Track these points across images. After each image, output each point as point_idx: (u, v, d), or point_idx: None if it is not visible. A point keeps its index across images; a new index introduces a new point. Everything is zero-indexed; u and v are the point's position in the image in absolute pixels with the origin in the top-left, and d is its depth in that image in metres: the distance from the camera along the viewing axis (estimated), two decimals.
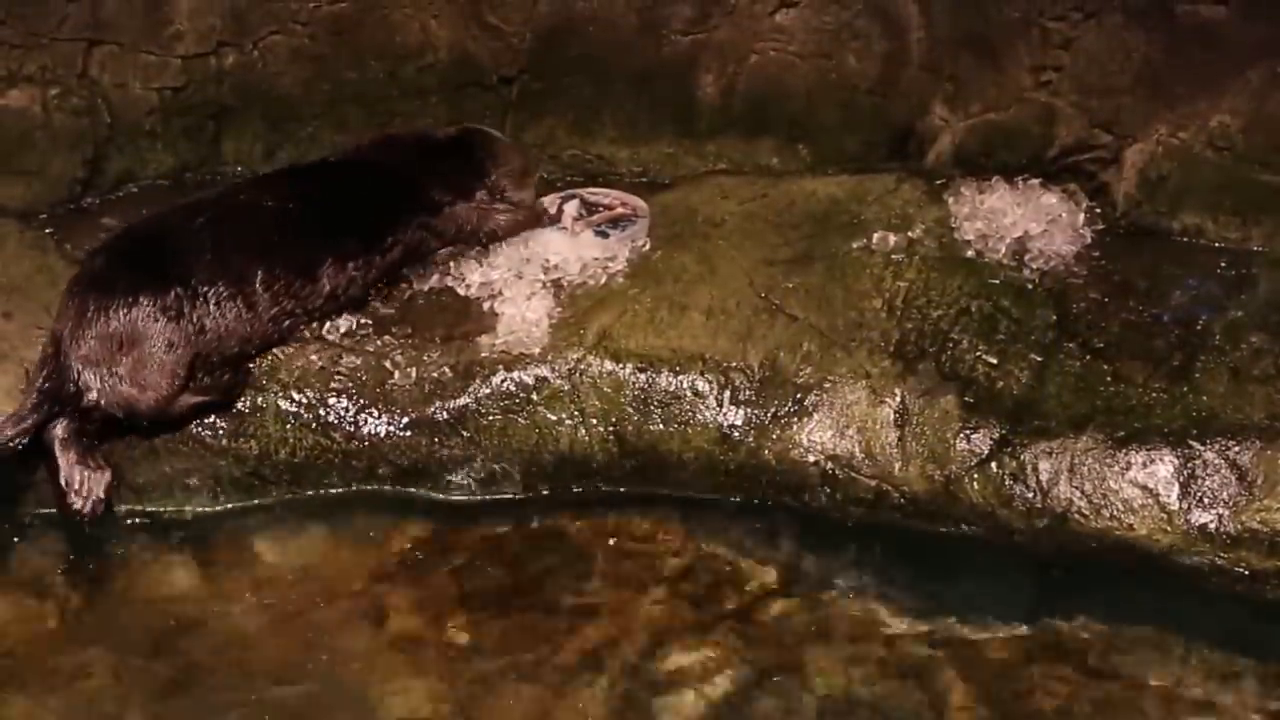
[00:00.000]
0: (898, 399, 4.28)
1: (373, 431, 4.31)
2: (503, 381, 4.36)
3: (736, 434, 4.30)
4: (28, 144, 4.89)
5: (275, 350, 4.37)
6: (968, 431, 4.22)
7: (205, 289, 4.22)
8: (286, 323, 4.36)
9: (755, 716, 3.79)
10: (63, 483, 4.11)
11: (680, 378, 4.35)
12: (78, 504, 4.10)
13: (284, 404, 4.31)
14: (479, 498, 4.36)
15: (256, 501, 4.33)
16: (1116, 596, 4.10)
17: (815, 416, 4.29)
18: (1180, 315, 4.50)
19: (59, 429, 4.12)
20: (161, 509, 4.30)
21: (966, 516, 4.19)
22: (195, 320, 4.19)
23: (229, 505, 4.31)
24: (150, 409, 4.16)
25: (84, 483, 4.11)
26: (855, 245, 4.65)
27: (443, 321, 4.50)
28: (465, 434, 4.33)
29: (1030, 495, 4.15)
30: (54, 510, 4.21)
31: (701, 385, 4.34)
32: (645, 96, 5.09)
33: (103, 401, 4.13)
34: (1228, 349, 4.37)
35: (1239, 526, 4.05)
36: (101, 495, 4.13)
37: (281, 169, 4.82)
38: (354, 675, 3.88)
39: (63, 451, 4.11)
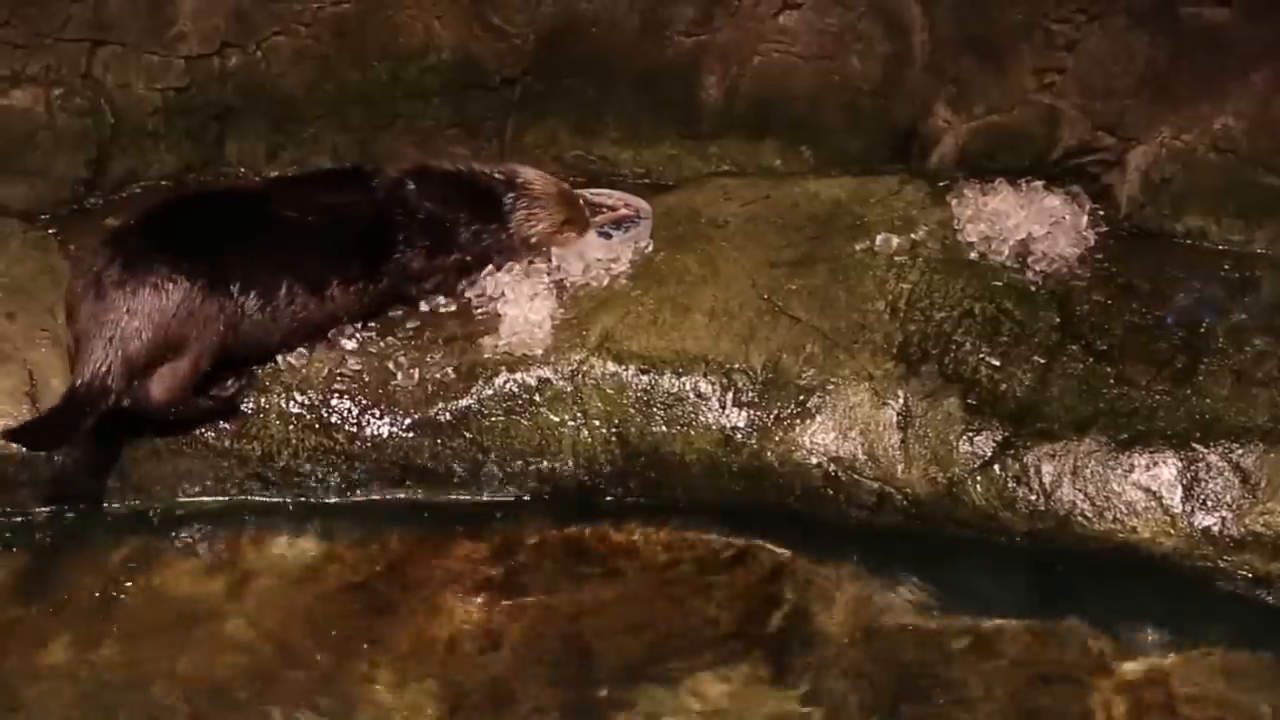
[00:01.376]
0: (900, 401, 4.28)
1: (375, 432, 4.31)
2: (505, 383, 4.36)
3: (739, 436, 4.30)
4: (31, 144, 4.89)
5: None
6: (970, 434, 4.22)
7: (244, 300, 4.21)
8: (298, 337, 4.37)
9: (756, 718, 3.79)
10: None
11: (683, 379, 4.35)
12: None
13: (287, 405, 4.31)
14: (481, 498, 4.36)
15: (259, 501, 4.33)
16: (1119, 599, 4.10)
17: (818, 418, 4.29)
18: (1184, 318, 4.50)
19: None
20: (164, 509, 4.31)
21: (969, 519, 4.19)
22: (230, 332, 4.18)
23: (232, 506, 4.32)
24: (158, 404, 4.15)
25: None
26: (858, 247, 4.65)
27: (445, 322, 4.50)
28: (468, 435, 4.33)
29: (1033, 498, 4.15)
30: (56, 508, 4.24)
31: (704, 387, 4.34)
32: (648, 98, 5.08)
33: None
34: (1231, 352, 4.37)
35: (1242, 529, 4.05)
36: None
37: (319, 173, 4.78)
38: (357, 675, 3.88)
39: None
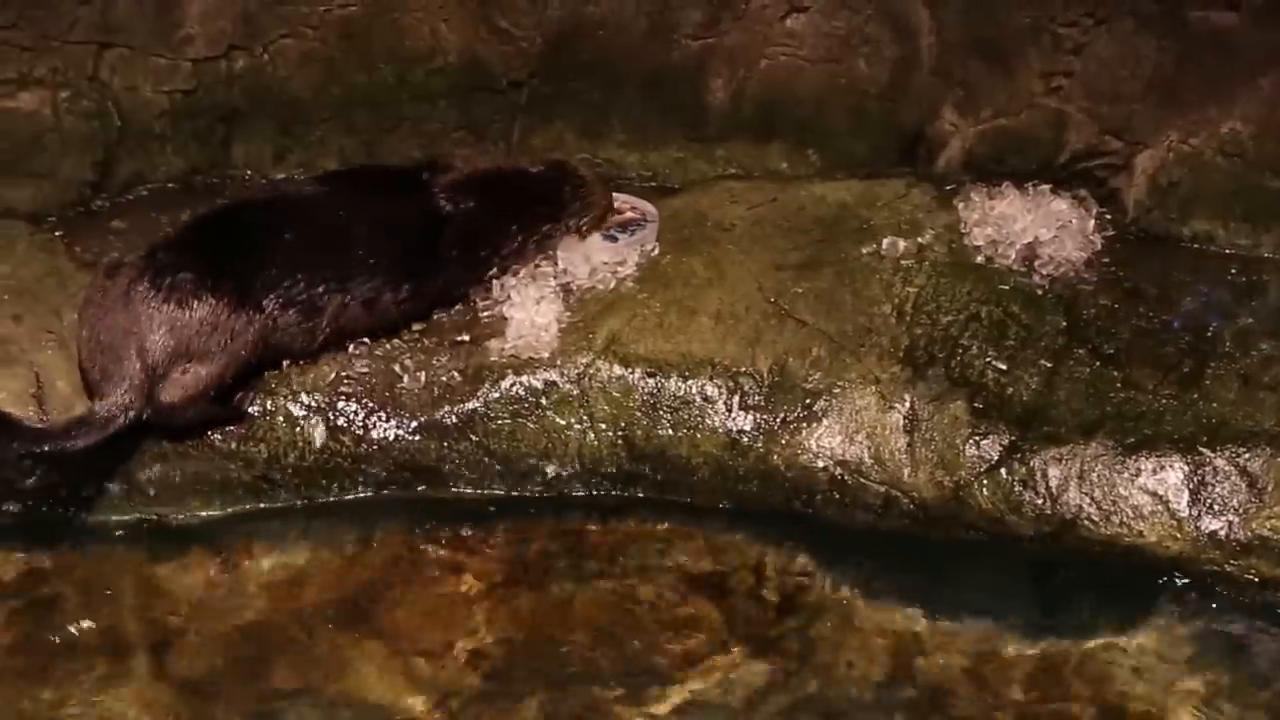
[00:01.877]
0: (907, 405, 4.28)
1: (381, 435, 4.31)
2: (511, 386, 4.36)
3: (745, 439, 4.30)
4: (38, 147, 4.89)
5: None
6: (977, 437, 4.22)
7: (279, 315, 4.21)
8: (336, 344, 4.37)
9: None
10: None
11: (689, 383, 4.35)
12: None
13: (293, 408, 4.31)
14: (487, 502, 4.36)
15: (265, 505, 4.33)
16: (1124, 603, 4.09)
17: (824, 422, 4.29)
18: (1190, 322, 4.50)
19: None
20: (170, 512, 4.30)
21: (976, 522, 4.19)
22: (260, 344, 4.19)
23: (238, 509, 4.32)
24: (167, 405, 4.14)
25: None
26: (865, 250, 4.65)
27: (452, 325, 4.50)
28: (474, 438, 4.33)
29: (1040, 501, 4.15)
30: (59, 512, 4.23)
31: (710, 390, 4.34)
32: (655, 101, 5.08)
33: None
34: (1238, 356, 4.37)
35: (1249, 533, 4.05)
36: None
37: (362, 178, 4.72)
38: (363, 678, 3.88)
39: None
